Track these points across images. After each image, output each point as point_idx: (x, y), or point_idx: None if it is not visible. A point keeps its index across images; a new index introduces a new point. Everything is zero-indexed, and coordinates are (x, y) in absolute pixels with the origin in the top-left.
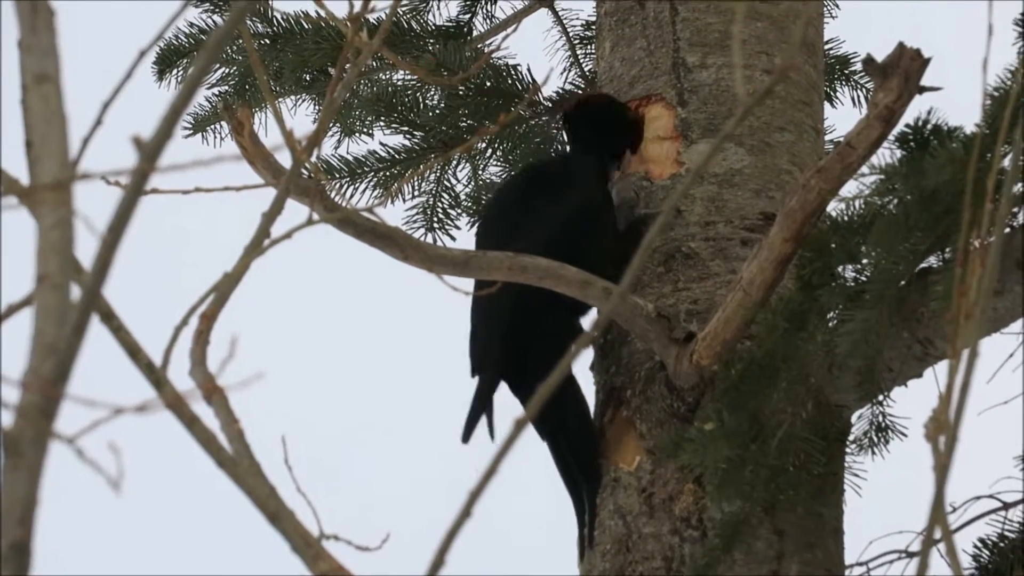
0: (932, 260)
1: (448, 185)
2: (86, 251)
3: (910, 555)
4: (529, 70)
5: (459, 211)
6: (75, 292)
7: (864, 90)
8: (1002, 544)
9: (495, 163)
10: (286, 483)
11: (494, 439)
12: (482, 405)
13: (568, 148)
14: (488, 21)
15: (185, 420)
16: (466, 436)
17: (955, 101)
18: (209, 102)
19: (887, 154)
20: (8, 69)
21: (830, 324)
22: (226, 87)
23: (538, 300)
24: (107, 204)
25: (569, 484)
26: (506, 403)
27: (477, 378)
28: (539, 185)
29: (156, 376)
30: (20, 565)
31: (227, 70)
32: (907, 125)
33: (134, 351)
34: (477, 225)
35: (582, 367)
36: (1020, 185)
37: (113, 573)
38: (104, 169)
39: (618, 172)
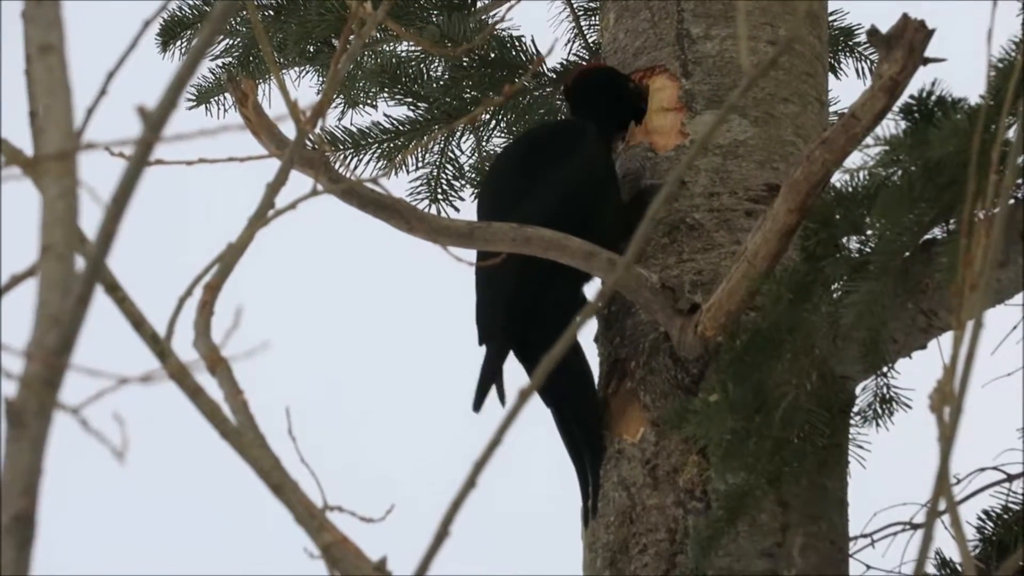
0: (936, 231)
1: (452, 157)
2: (90, 222)
3: (914, 527)
4: (533, 41)
5: (463, 183)
6: (79, 263)
7: (868, 61)
8: (1006, 516)
9: (499, 135)
10: (290, 454)
11: (505, 406)
12: (492, 374)
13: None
14: None
15: (189, 391)
16: (477, 405)
17: (959, 72)
18: (213, 74)
19: (891, 125)
20: (12, 40)
21: (834, 295)
22: (230, 59)
23: (542, 268)
24: (111, 174)
25: (574, 454)
26: (512, 372)
27: (485, 347)
28: (539, 153)
29: (160, 347)
30: (24, 536)
31: (231, 42)
32: (911, 96)
33: (138, 322)
34: (478, 194)
35: (588, 338)
36: None
37: (117, 552)
38: (108, 139)
39: (621, 143)
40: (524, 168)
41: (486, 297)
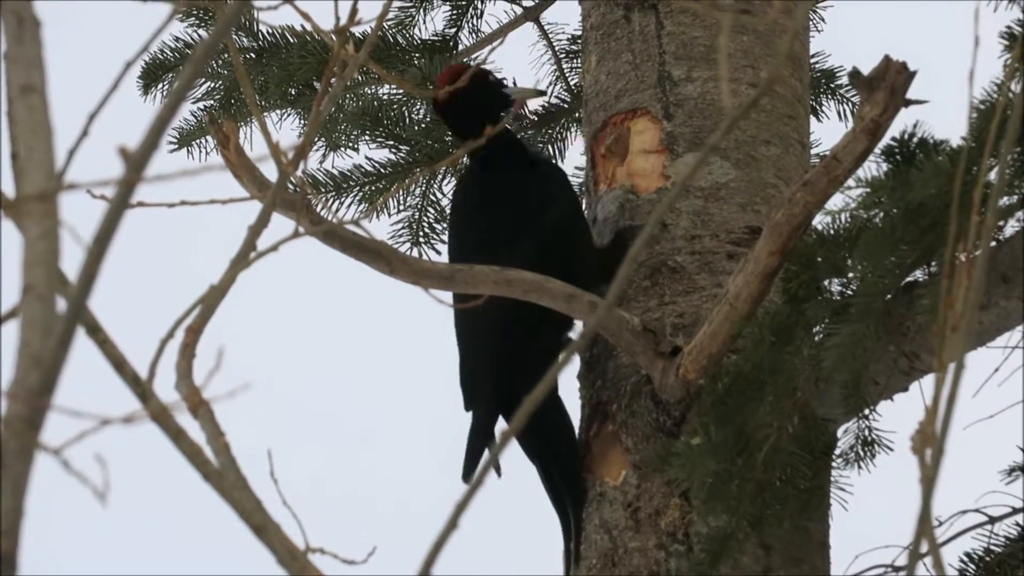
0: (918, 274)
1: (434, 199)
2: (72, 263)
3: (896, 569)
4: (515, 84)
5: (444, 225)
6: (61, 304)
7: (850, 104)
8: (988, 558)
9: None
10: (272, 496)
11: (500, 476)
12: (481, 441)
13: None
14: (474, 35)
15: (171, 433)
16: (467, 474)
17: (941, 114)
18: (194, 116)
19: (873, 167)
20: None
21: (816, 338)
22: (211, 101)
23: (525, 323)
24: (93, 215)
25: (555, 500)
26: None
27: (472, 412)
28: (508, 193)
29: (142, 389)
30: None
31: (212, 84)
32: (893, 138)
33: (120, 364)
34: (448, 234)
35: (568, 382)
36: (1006, 198)
37: None
38: (90, 180)
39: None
40: (493, 211)
41: (469, 361)
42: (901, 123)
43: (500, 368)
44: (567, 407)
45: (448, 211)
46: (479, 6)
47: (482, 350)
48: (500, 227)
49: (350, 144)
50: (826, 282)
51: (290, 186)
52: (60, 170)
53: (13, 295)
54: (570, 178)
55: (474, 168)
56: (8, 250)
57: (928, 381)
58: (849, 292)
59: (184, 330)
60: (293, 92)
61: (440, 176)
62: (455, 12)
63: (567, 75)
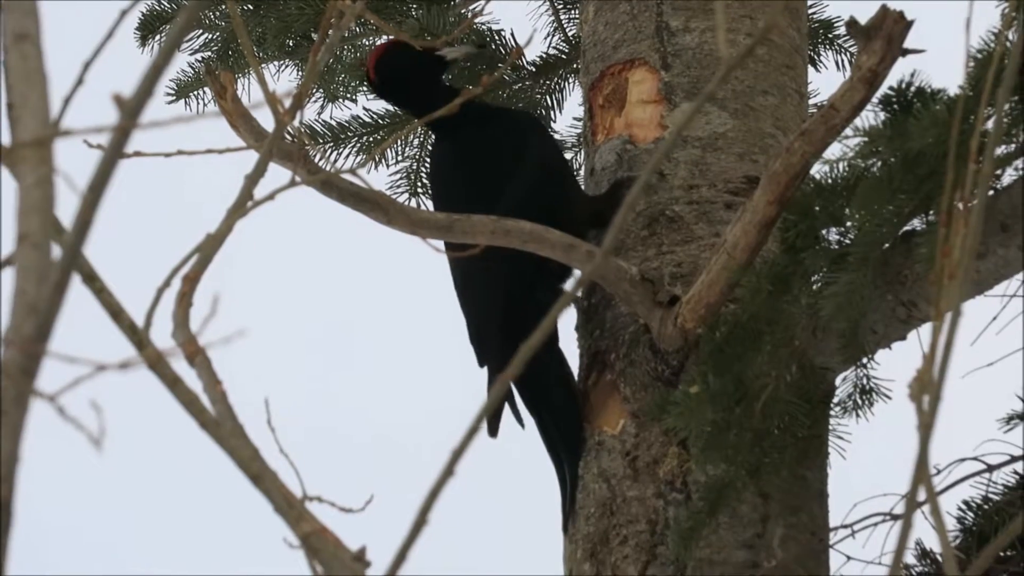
0: (916, 223)
1: (431, 150)
2: (67, 210)
3: (894, 517)
4: (512, 35)
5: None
6: (56, 251)
7: (848, 54)
8: (986, 506)
9: None
10: (269, 444)
11: (524, 426)
12: (501, 398)
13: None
14: None
15: (167, 381)
16: (492, 430)
17: (938, 63)
18: (192, 68)
19: (871, 116)
20: None
21: (814, 287)
22: (209, 53)
23: (524, 273)
24: (88, 163)
25: (551, 451)
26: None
27: (487, 369)
28: (488, 150)
29: (138, 337)
30: (1, 523)
31: (210, 36)
32: (890, 87)
33: (116, 312)
34: (431, 192)
35: (568, 333)
36: (1003, 147)
37: (94, 538)
38: (85, 128)
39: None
40: (476, 167)
41: (475, 319)
42: (898, 72)
43: (507, 322)
44: (568, 359)
45: (428, 181)
46: None
47: (486, 306)
48: (481, 183)
49: (348, 95)
50: (824, 231)
51: (287, 136)
52: (55, 118)
53: (8, 243)
54: (548, 125)
55: (443, 134)
56: (3, 198)
57: (926, 330)
58: (847, 241)
59: (181, 278)
60: (291, 43)
61: None
62: None
63: (565, 25)
